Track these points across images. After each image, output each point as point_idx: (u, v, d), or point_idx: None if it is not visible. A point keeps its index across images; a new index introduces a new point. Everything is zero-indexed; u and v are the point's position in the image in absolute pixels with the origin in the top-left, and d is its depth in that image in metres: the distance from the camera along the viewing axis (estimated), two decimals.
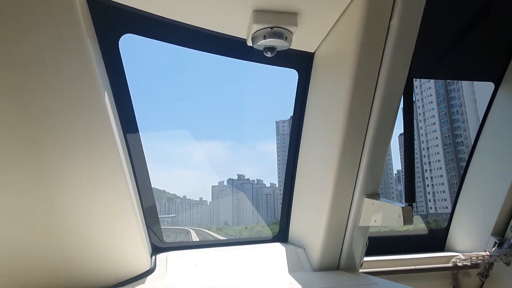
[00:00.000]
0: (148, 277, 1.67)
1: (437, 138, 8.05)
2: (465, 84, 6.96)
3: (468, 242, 2.33)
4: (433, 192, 8.05)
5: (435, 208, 7.85)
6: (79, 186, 1.36)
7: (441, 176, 7.95)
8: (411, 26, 1.39)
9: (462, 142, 7.56)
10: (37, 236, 1.39)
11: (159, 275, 1.70)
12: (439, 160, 8.06)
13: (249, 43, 1.62)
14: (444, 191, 7.87)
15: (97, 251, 1.52)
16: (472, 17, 2.03)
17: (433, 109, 7.98)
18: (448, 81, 7.64)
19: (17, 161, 1.23)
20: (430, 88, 7.97)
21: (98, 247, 1.51)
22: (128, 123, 1.73)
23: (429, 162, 8.27)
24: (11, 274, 1.42)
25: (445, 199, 7.73)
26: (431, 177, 8.16)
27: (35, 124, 1.22)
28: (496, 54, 2.22)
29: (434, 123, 8.07)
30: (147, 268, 1.70)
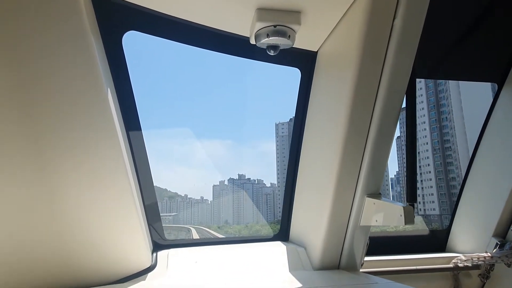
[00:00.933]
0: (149, 274, 1.68)
1: (427, 143, 8.33)
2: (452, 92, 7.19)
3: (469, 243, 2.33)
4: (423, 195, 8.27)
5: (424, 210, 8.07)
6: (81, 183, 1.36)
7: (430, 179, 8.30)
8: (414, 26, 1.38)
9: (450, 147, 7.79)
10: (39, 233, 1.40)
11: (160, 272, 1.71)
12: (428, 164, 8.38)
13: (252, 41, 1.62)
14: (432, 194, 8.15)
15: (98, 248, 1.52)
16: (475, 17, 2.03)
17: (424, 115, 8.22)
18: (438, 88, 7.85)
19: (19, 158, 1.24)
20: (421, 95, 8.19)
21: (99, 244, 1.51)
22: (131, 120, 1.73)
23: (420, 166, 8.52)
24: (13, 270, 1.43)
25: (433, 201, 7.98)
26: (421, 180, 8.43)
27: (37, 120, 1.22)
28: (499, 54, 2.22)
29: (424, 129, 8.30)
30: (148, 265, 1.70)
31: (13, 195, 1.28)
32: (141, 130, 1.79)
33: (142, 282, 1.62)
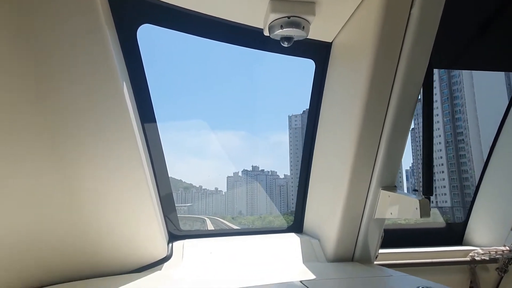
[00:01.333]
0: (165, 264, 1.71)
1: (440, 135, 8.26)
2: (466, 84, 7.05)
3: (487, 236, 2.29)
4: (435, 187, 8.24)
5: (436, 202, 8.02)
6: (98, 174, 1.39)
7: (443, 172, 8.28)
8: (432, 15, 1.35)
9: (463, 140, 7.70)
10: (57, 223, 1.43)
11: (176, 262, 1.74)
12: (441, 157, 8.36)
13: (266, 33, 1.60)
14: (444, 186, 8.08)
15: (115, 238, 1.55)
16: (495, 5, 1.96)
17: (437, 107, 8.13)
18: (452, 80, 7.72)
19: (36, 149, 1.26)
20: (435, 87, 8.09)
21: (116, 234, 1.55)
22: (146, 112, 1.75)
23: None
24: (31, 259, 1.47)
25: (445, 194, 7.92)
26: (434, 172, 8.46)
27: (54, 113, 1.25)
28: None
29: (438, 121, 8.22)
30: (164, 255, 1.74)
31: (30, 187, 1.31)
32: (156, 122, 1.81)
33: (158, 272, 1.65)
